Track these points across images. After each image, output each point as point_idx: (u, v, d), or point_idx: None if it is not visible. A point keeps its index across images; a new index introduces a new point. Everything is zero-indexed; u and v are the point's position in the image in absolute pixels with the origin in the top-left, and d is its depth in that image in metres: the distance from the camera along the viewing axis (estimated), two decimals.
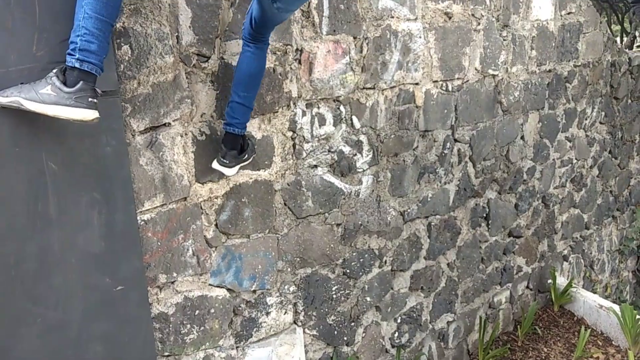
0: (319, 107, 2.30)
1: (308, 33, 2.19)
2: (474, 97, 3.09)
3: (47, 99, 1.27)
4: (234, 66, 1.95)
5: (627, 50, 4.81)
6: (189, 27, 1.81)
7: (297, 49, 2.17)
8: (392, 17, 2.53)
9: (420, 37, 2.67)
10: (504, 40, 3.18)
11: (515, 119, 3.45)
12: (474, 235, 3.36)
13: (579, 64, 3.82)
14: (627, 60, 4.34)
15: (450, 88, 2.93)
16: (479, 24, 2.98)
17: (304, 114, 2.24)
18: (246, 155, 1.91)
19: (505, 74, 3.27)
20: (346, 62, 2.36)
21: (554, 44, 3.55)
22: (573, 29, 3.66)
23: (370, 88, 2.50)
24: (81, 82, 1.30)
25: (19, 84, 1.32)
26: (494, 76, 3.19)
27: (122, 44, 1.64)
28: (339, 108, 2.39)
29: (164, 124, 1.78)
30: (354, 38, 2.38)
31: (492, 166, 3.36)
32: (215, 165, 1.87)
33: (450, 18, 2.81)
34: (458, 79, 2.96)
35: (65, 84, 1.29)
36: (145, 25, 1.69)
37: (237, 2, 1.94)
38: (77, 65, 1.30)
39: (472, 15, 2.93)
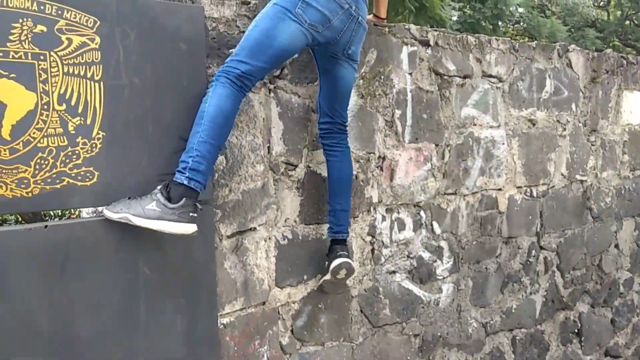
0: (399, 212, 2.29)
1: (390, 141, 2.24)
2: (561, 203, 2.94)
3: (152, 214, 1.38)
4: (319, 174, 2.02)
5: None
6: (280, 138, 1.92)
7: (379, 157, 2.21)
8: (475, 125, 2.54)
9: (503, 144, 2.64)
10: (592, 145, 3.06)
11: (608, 226, 3.22)
12: (565, 353, 3.04)
13: None
14: None
15: (535, 194, 2.82)
16: (564, 129, 2.91)
17: (383, 219, 2.23)
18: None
19: (595, 179, 3.11)
20: (427, 169, 2.36)
21: None
22: None
23: (451, 194, 2.47)
24: (184, 198, 1.41)
25: (127, 199, 1.44)
26: (582, 182, 3.04)
27: (218, 154, 1.76)
28: (419, 213, 2.36)
29: (250, 229, 1.84)
30: (436, 145, 2.40)
31: (582, 276, 3.10)
32: (327, 277, 1.90)
33: (534, 125, 2.77)
34: (543, 184, 2.85)
35: (169, 200, 1.40)
36: (240, 137, 1.81)
37: None
38: (185, 182, 1.42)
39: (557, 121, 2.87)
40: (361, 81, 2.15)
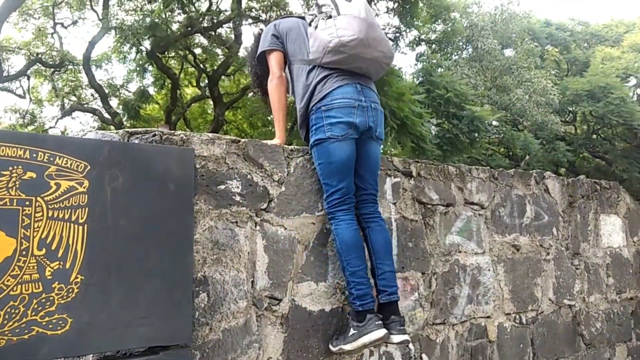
0: (386, 346, 2.19)
1: None
2: (551, 329, 2.87)
3: (354, 337, 1.86)
4: (304, 308, 1.96)
5: None
6: (265, 272, 1.88)
7: None
8: (460, 252, 2.54)
9: (489, 270, 2.63)
10: (577, 268, 3.07)
11: (601, 354, 3.12)
12: None
13: None
14: None
15: (524, 320, 2.75)
16: (548, 253, 2.94)
17: (371, 354, 2.13)
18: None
19: (583, 304, 3.08)
20: (415, 299, 2.32)
21: (631, 271, 3.38)
22: None
23: (440, 323, 2.40)
24: (367, 314, 1.86)
25: (337, 335, 1.96)
26: (570, 306, 3.00)
27: (200, 292, 1.70)
28: (407, 346, 2.27)
29: None
30: (422, 274, 2.38)
31: None
32: (395, 338, 1.91)
33: (518, 250, 2.79)
34: (532, 310, 2.80)
35: (360, 322, 1.86)
36: (224, 272, 1.78)
37: (311, 246, 2.04)
38: (360, 309, 1.87)
39: (540, 245, 2.91)
40: None
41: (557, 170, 17.77)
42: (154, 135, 1.79)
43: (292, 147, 2.11)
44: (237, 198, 1.88)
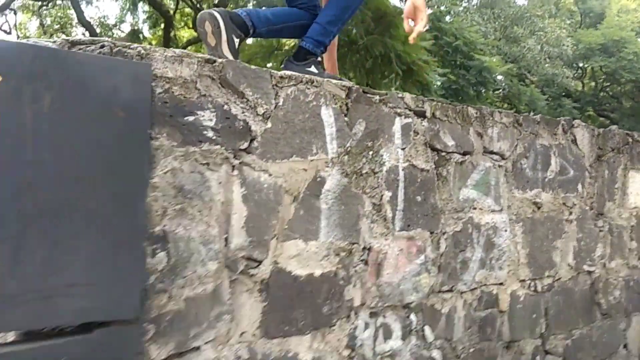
0: (384, 317, 1.88)
1: (379, 229, 1.87)
2: (568, 298, 2.57)
3: None
4: (288, 272, 1.61)
5: None
6: (242, 227, 1.52)
7: (364, 248, 1.83)
8: (475, 209, 2.19)
9: (506, 231, 2.29)
10: (600, 231, 2.74)
11: (617, 324, 2.84)
12: None
13: None
14: None
15: (539, 288, 2.45)
16: (571, 213, 2.59)
17: (366, 326, 1.82)
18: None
19: (603, 270, 2.77)
20: (421, 262, 1.98)
21: None
22: None
23: (447, 291, 2.08)
24: None
25: None
26: (589, 273, 2.69)
27: (158, 251, 1.35)
28: (408, 317, 1.95)
29: (192, 349, 1.40)
30: (431, 233, 2.03)
31: None
32: None
33: (539, 208, 2.44)
34: (548, 276, 2.49)
35: None
36: (190, 227, 1.41)
37: (302, 197, 1.67)
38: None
39: (564, 204, 2.56)
40: (346, 157, 1.80)
41: None
42: (102, 46, 1.37)
43: (282, 72, 1.69)
44: (210, 134, 1.49)
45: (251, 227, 1.54)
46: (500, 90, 13.59)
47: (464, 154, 2.17)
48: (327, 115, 1.76)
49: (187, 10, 12.65)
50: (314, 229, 1.69)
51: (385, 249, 1.87)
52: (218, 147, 1.50)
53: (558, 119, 2.62)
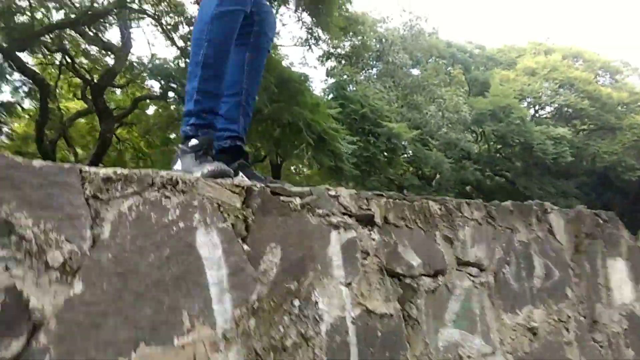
0: None
1: None
2: None
3: None
4: None
5: None
6: None
7: None
8: (461, 358, 1.40)
9: None
10: (601, 347, 2.08)
11: None
12: None
13: None
14: None
15: None
16: (568, 330, 1.91)
17: None
18: None
19: None
20: None
21: None
22: None
23: None
24: None
25: None
26: None
27: None
28: None
29: None
30: None
31: None
32: None
33: (535, 334, 1.72)
34: None
35: None
36: None
37: None
38: None
39: (559, 320, 1.87)
40: (252, 322, 0.93)
41: (465, 189, 17.94)
42: None
43: (113, 170, 0.83)
44: None
45: None
46: (406, 155, 13.71)
47: (435, 274, 1.41)
48: (209, 245, 0.91)
49: (76, 80, 11.42)
50: None
51: None
52: None
53: (529, 203, 2.00)
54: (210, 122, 1.42)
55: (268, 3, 1.72)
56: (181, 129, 1.43)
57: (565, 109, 19.70)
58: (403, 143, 11.10)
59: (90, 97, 10.74)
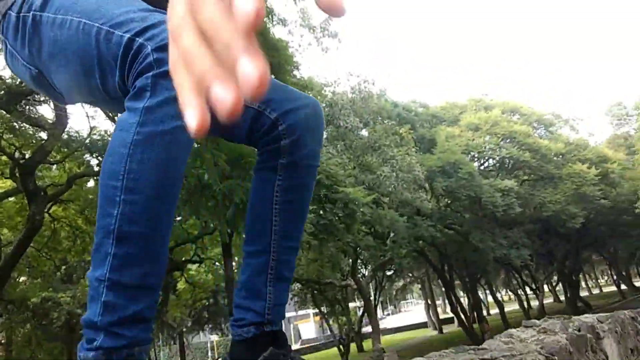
0: None
1: None
2: None
3: None
4: None
5: None
6: None
7: None
8: None
9: None
10: None
11: None
12: None
13: None
14: None
15: None
16: None
17: None
18: None
19: None
20: None
21: None
22: None
23: None
24: None
25: None
26: None
27: None
28: None
29: None
30: None
31: None
32: None
33: None
34: None
35: None
36: None
37: None
38: None
39: None
40: None
41: (419, 244, 17.77)
42: None
43: None
44: None
45: None
46: (365, 217, 13.41)
47: None
48: None
49: (4, 158, 10.42)
50: None
51: None
52: None
53: (581, 335, 1.56)
54: (136, 336, 0.80)
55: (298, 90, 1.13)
56: (79, 354, 0.81)
57: (508, 161, 20.43)
58: (363, 205, 10.79)
59: (19, 176, 9.76)
